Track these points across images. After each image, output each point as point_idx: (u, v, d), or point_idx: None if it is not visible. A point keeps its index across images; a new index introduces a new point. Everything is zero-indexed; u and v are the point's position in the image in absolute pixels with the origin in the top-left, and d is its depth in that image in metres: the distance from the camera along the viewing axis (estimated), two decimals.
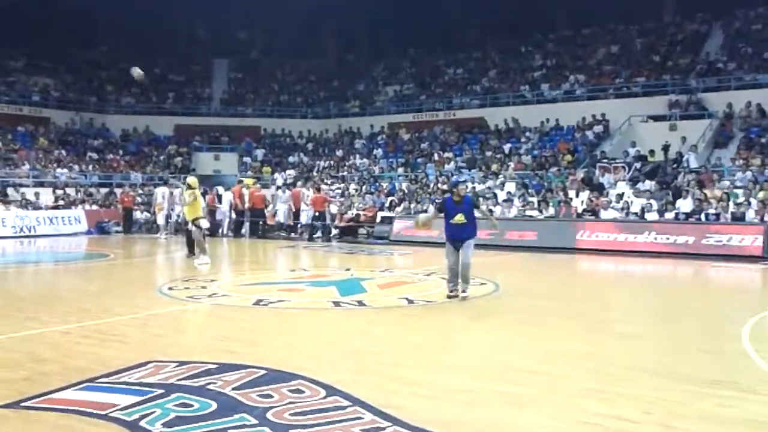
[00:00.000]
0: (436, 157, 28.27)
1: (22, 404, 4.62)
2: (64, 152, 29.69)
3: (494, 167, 24.99)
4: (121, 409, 4.50)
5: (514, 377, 5.45)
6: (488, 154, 27.50)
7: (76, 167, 28.57)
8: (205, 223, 14.29)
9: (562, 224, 18.00)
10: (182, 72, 38.63)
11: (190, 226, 14.27)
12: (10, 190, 23.97)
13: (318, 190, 21.29)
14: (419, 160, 28.73)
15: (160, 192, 21.89)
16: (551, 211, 18.78)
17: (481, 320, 8.32)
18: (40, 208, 23.39)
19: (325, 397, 4.83)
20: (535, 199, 19.72)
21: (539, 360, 6.02)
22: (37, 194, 24.21)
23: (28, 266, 15.36)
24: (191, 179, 14.78)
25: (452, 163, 27.24)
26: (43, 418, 4.39)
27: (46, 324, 7.47)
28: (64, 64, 36.15)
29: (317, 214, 20.29)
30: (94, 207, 24.91)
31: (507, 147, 27.51)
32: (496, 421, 4.42)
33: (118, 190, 26.06)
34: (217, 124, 35.37)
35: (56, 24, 32.88)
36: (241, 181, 23.88)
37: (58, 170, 27.49)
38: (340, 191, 24.15)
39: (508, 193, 20.72)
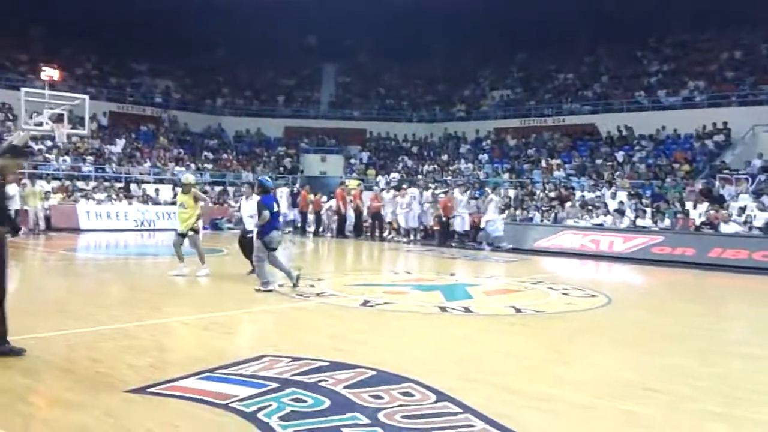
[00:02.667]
0: (543, 163, 27.69)
1: (148, 390, 4.86)
2: (182, 151, 31.26)
3: (606, 175, 24.18)
4: (239, 400, 4.65)
5: (634, 395, 5.21)
6: (599, 161, 26.66)
7: (193, 165, 29.99)
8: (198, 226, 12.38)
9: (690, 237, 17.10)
10: (292, 76, 39.79)
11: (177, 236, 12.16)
12: (132, 186, 25.46)
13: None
14: (526, 166, 28.23)
15: (280, 192, 22.95)
16: (666, 222, 17.96)
17: (592, 333, 8.04)
18: (159, 204, 24.73)
19: (435, 402, 4.80)
20: (648, 210, 18.91)
21: (657, 378, 5.73)
22: (157, 190, 25.60)
23: (148, 258, 16.24)
24: (188, 176, 13.25)
25: (561, 170, 26.59)
26: (167, 404, 4.60)
27: (168, 314, 7.86)
28: (184, 68, 38.10)
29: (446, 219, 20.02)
30: (209, 205, 26.00)
31: (620, 155, 26.56)
32: None
33: (230, 189, 27.21)
34: (325, 126, 36.19)
35: (178, 30, 34.68)
36: (343, 183, 24.28)
37: (176, 168, 28.95)
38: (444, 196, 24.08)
39: (620, 203, 19.96)
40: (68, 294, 9.18)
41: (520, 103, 34.24)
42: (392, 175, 29.65)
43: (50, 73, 20.33)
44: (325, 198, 22.94)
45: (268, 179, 11.05)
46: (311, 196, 23.15)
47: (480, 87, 38.07)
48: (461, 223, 19.86)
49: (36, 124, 19.50)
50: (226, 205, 26.01)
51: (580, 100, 32.13)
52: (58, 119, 19.81)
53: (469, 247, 19.31)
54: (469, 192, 21.00)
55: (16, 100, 22.59)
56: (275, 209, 9.88)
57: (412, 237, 20.49)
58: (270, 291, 9.74)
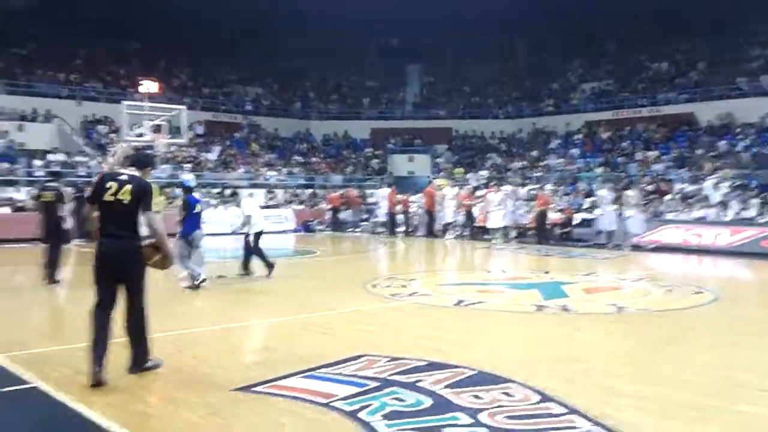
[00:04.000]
0: (639, 156, 26.68)
1: (252, 388, 4.98)
2: (273, 156, 32.07)
3: (706, 166, 23.03)
4: (341, 399, 4.69)
5: (745, 395, 4.92)
6: (698, 152, 25.43)
7: (284, 170, 30.71)
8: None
9: None
10: (377, 78, 40.09)
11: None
12: (227, 192, 26.29)
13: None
14: (620, 159, 27.28)
15: (379, 192, 23.72)
16: None
17: (699, 331, 7.67)
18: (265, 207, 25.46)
19: (538, 403, 4.69)
20: (756, 201, 17.85)
21: None
22: (250, 194, 26.27)
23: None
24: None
25: (658, 162, 25.54)
26: (271, 402, 4.70)
27: (266, 315, 8.06)
28: (272, 75, 39.11)
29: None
30: (301, 207, 26.61)
31: (721, 144, 25.24)
32: None
33: (320, 191, 27.75)
34: (410, 126, 36.25)
35: (265, 40, 35.68)
36: (430, 182, 24.22)
37: (268, 173, 29.72)
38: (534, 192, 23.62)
39: (724, 194, 18.94)
40: (173, 296, 9.55)
41: (612, 95, 33.14)
42: (481, 172, 29.34)
43: (149, 86, 21.32)
44: (413, 197, 22.90)
45: (191, 180, 11.23)
46: (399, 196, 23.25)
47: (569, 80, 37.13)
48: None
49: (137, 135, 20.48)
50: (317, 207, 26.47)
51: (676, 89, 30.76)
52: (157, 130, 20.75)
53: (567, 244, 18.78)
54: (561, 188, 20.46)
55: (117, 113, 23.85)
56: (197, 209, 10.15)
57: (505, 236, 20.00)
58: (203, 281, 9.95)
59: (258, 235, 11.81)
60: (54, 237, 10.55)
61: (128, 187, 5.26)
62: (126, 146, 21.05)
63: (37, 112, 26.98)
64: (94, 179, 5.71)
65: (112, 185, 5.27)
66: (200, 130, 31.26)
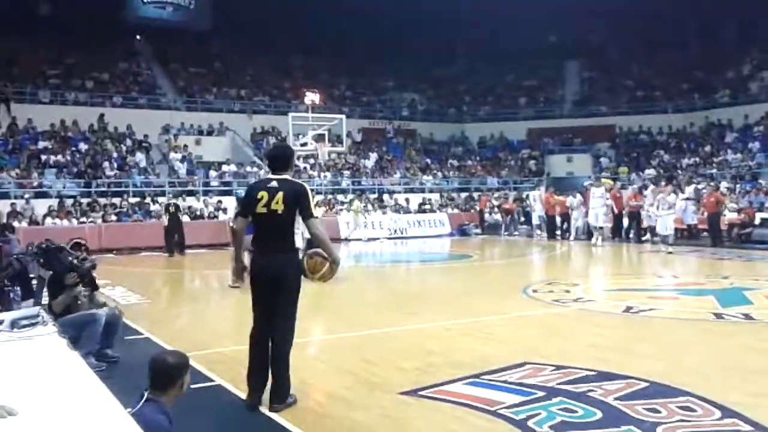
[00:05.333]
0: None
1: (419, 392, 5.06)
2: (428, 160, 32.40)
3: None
4: (507, 407, 4.64)
5: None
6: None
7: (439, 174, 30.92)
8: None
9: None
10: (534, 77, 39.23)
11: None
12: (385, 197, 26.95)
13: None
14: None
15: (533, 195, 23.40)
16: None
17: None
18: (410, 212, 25.89)
19: (720, 419, 4.38)
20: None
21: None
22: (407, 200, 26.81)
23: (404, 265, 17.04)
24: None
25: None
26: (439, 407, 4.74)
27: (428, 320, 8.13)
28: (427, 81, 39.54)
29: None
30: (456, 210, 26.67)
31: None
32: None
33: (476, 194, 27.68)
34: (569, 125, 35.04)
35: (420, 45, 36.12)
36: (591, 183, 23.21)
37: (424, 177, 30.07)
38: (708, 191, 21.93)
39: None
40: (337, 300, 9.93)
41: None
42: (647, 171, 27.76)
43: (312, 97, 22.35)
44: (572, 199, 21.95)
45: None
46: (558, 198, 22.59)
47: (746, 68, 34.11)
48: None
49: (302, 145, 21.54)
50: (472, 210, 26.38)
51: None
52: (319, 138, 21.71)
53: (749, 247, 17.24)
54: (739, 185, 18.80)
55: (283, 124, 25.22)
56: None
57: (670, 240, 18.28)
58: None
59: None
60: None
61: (280, 195, 4.70)
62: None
63: (212, 126, 29.20)
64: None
65: (263, 195, 4.74)
66: (358, 137, 32.28)
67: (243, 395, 4.95)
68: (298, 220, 4.80)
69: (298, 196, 4.73)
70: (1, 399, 2.29)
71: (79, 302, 6.22)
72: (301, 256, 5.03)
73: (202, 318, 9.31)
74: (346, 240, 22.06)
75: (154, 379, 3.17)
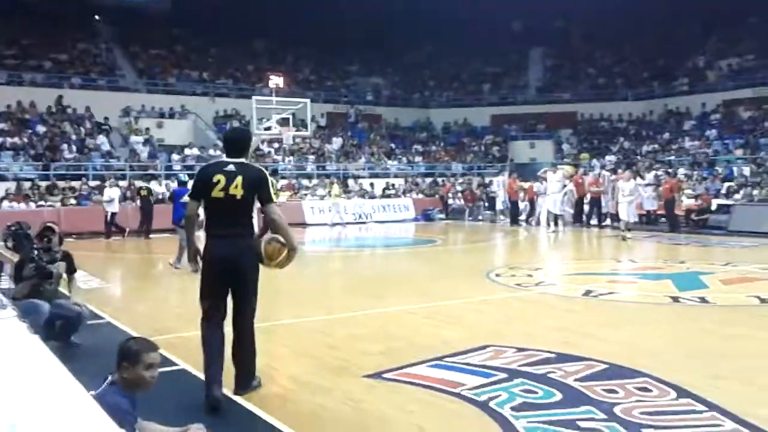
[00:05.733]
0: None
1: (383, 375, 5.09)
2: (393, 145, 32.42)
3: None
4: (469, 389, 4.71)
5: None
6: None
7: (404, 159, 30.97)
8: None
9: None
10: (498, 64, 39.44)
11: None
12: (350, 182, 26.90)
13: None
14: (762, 140, 25.36)
15: (497, 181, 23.76)
16: None
17: None
18: (375, 197, 25.91)
19: (676, 399, 4.50)
20: None
21: None
22: (372, 184, 26.80)
23: (368, 249, 17.07)
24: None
25: None
26: (403, 389, 4.78)
27: (393, 304, 8.18)
28: (392, 66, 39.46)
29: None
30: (420, 196, 26.77)
31: None
32: None
33: (440, 180, 27.85)
34: (532, 112, 35.38)
35: (387, 31, 35.97)
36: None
37: (389, 162, 30.09)
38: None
39: None
40: (300, 284, 9.90)
41: (754, 71, 30.71)
42: (608, 157, 28.21)
43: (276, 81, 22.15)
44: (538, 184, 22.15)
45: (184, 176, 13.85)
46: (521, 184, 22.84)
47: (705, 57, 34.76)
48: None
49: (266, 129, 21.35)
50: (437, 196, 26.50)
51: None
52: (283, 123, 21.54)
53: (704, 232, 17.66)
54: (696, 172, 19.24)
55: (246, 108, 24.94)
56: (184, 199, 10.44)
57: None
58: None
59: None
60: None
61: (239, 179, 4.50)
62: (255, 139, 22.04)
63: (174, 109, 28.73)
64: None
65: (220, 179, 4.51)
66: (323, 122, 32.10)
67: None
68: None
69: (257, 180, 4.58)
70: None
71: (42, 290, 6.09)
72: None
73: (165, 303, 9.21)
74: (332, 225, 21.95)
75: (118, 357, 3.17)
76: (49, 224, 6.75)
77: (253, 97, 22.06)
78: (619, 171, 20.26)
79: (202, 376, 5.00)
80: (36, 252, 6.20)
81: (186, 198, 10.98)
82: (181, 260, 10.85)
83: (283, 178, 25.34)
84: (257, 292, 4.73)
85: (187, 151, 25.74)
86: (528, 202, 21.84)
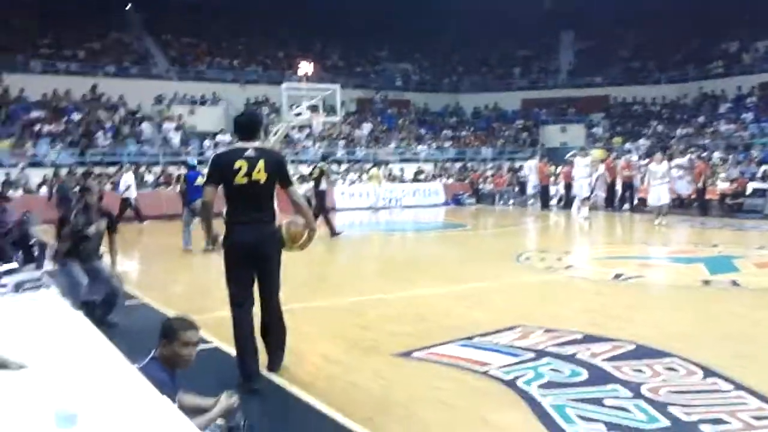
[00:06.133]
0: None
1: (412, 354, 5.21)
2: (423, 131, 32.39)
3: None
4: (497, 368, 4.80)
5: None
6: None
7: (434, 144, 30.93)
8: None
9: None
10: (528, 47, 39.03)
11: None
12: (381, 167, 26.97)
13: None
14: None
15: (528, 165, 23.67)
16: None
17: None
18: (405, 182, 25.97)
19: (703, 378, 4.54)
20: None
21: None
22: (402, 170, 26.86)
23: (399, 234, 17.16)
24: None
25: None
26: (431, 368, 4.90)
27: (423, 286, 8.28)
28: (421, 51, 39.29)
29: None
30: (450, 180, 26.76)
31: None
32: None
33: (470, 164, 27.79)
34: (564, 96, 35.02)
35: (416, 16, 35.79)
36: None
37: (419, 147, 30.08)
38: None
39: None
40: (331, 267, 10.06)
41: None
42: (641, 141, 27.84)
43: (306, 67, 22.26)
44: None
45: (193, 159, 14.69)
46: (553, 168, 22.70)
47: (741, 38, 33.98)
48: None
49: (296, 115, 21.50)
50: (467, 181, 26.46)
51: None
52: (313, 109, 21.66)
53: (740, 216, 17.36)
54: (732, 156, 18.88)
55: (276, 94, 25.10)
56: (198, 182, 11.23)
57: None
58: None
59: None
60: None
61: (261, 163, 4.50)
62: (285, 125, 22.23)
63: (206, 96, 29.05)
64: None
65: (242, 165, 4.48)
66: (352, 107, 32.16)
67: None
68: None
69: (278, 164, 4.64)
70: (11, 354, 2.40)
71: (81, 248, 6.30)
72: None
73: (198, 283, 9.42)
74: (374, 209, 22.03)
75: (160, 334, 3.31)
76: (87, 185, 6.97)
77: (283, 84, 22.21)
78: (655, 156, 19.85)
79: (234, 353, 5.16)
80: (74, 212, 6.40)
81: (200, 180, 11.39)
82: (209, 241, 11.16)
83: (312, 163, 25.38)
84: (280, 274, 4.78)
85: (219, 138, 26.04)
86: (564, 187, 21.51)
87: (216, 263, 10.59)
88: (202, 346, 5.34)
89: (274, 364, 4.79)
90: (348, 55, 37.17)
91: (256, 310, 4.76)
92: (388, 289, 8.14)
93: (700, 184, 18.15)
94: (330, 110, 23.47)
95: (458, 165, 28.92)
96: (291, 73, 28.37)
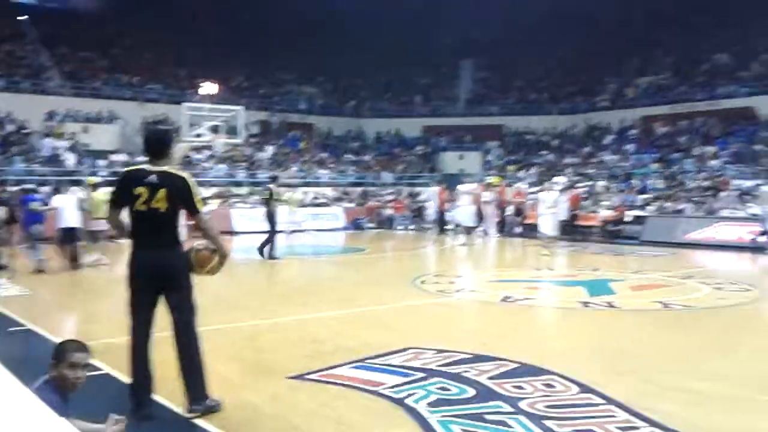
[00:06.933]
0: (696, 151, 26.19)
1: (307, 376, 5.33)
2: (325, 154, 32.61)
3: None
4: (389, 387, 5.00)
5: None
6: (757, 147, 24.82)
7: (336, 168, 31.20)
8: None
9: None
10: (430, 75, 40.18)
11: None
12: (281, 190, 26.86)
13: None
14: (676, 155, 26.83)
15: (427, 192, 24.15)
16: None
17: (745, 328, 7.72)
18: (306, 206, 26.00)
19: (577, 394, 4.89)
20: None
21: None
22: (305, 193, 26.90)
23: (298, 258, 17.18)
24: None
25: (716, 158, 25.03)
26: (326, 389, 5.03)
27: (319, 310, 8.40)
28: (326, 75, 39.65)
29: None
30: (351, 204, 27.04)
31: None
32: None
33: (371, 189, 28.23)
34: (462, 124, 36.22)
35: (321, 39, 36.20)
36: (481, 180, 24.24)
37: (320, 171, 30.25)
38: (587, 189, 23.45)
39: None
40: (226, 291, 9.99)
41: (670, 89, 32.42)
42: (532, 170, 29.21)
43: (209, 87, 22.04)
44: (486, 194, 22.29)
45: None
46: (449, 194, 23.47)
47: (625, 74, 36.44)
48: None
49: (196, 135, 21.21)
50: (367, 205, 26.84)
51: (736, 83, 29.94)
52: (215, 130, 21.44)
53: (619, 242, 18.60)
54: (614, 185, 20.21)
55: (176, 114, 24.65)
56: (32, 207, 12.15)
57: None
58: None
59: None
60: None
61: (162, 192, 4.32)
62: (185, 146, 21.85)
63: (102, 114, 28.11)
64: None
65: (142, 192, 4.31)
66: (255, 130, 31.98)
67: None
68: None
69: (182, 191, 4.37)
70: None
71: None
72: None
73: (87, 309, 9.13)
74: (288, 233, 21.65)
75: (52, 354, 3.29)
76: None
77: (185, 104, 21.88)
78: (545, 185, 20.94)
79: (126, 380, 5.10)
80: None
81: (35, 205, 11.36)
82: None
83: (213, 185, 25.01)
84: (192, 299, 4.59)
85: (113, 157, 25.24)
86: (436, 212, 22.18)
87: (103, 289, 10.37)
88: (93, 373, 5.27)
89: (191, 403, 4.42)
90: (252, 76, 37.00)
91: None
92: (285, 313, 8.22)
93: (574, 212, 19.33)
94: (232, 131, 23.30)
95: (359, 189, 29.27)
96: (192, 92, 27.97)
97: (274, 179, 16.08)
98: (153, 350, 4.56)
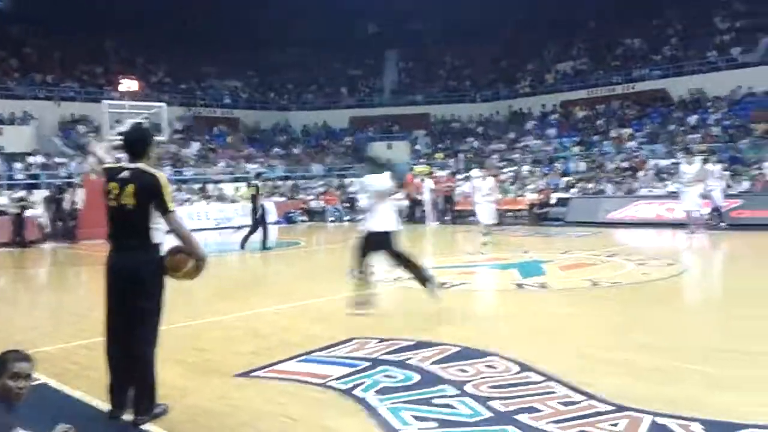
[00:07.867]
0: (613, 134, 27.22)
1: (252, 374, 5.32)
2: (252, 149, 32.21)
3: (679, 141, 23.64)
4: (336, 379, 5.05)
5: (714, 357, 5.35)
6: (671, 127, 26.01)
7: (264, 162, 30.88)
8: None
9: None
10: (356, 66, 40.21)
11: None
12: (209, 186, 26.47)
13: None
14: (595, 137, 27.81)
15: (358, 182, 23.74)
16: (745, 185, 17.49)
17: (671, 301, 8.14)
18: (236, 201, 25.63)
19: (518, 373, 5.07)
20: (726, 173, 18.40)
21: (738, 341, 5.85)
22: (237, 189, 26.52)
23: (230, 254, 16.96)
24: None
25: (632, 139, 26.09)
26: (272, 385, 5.05)
27: (261, 305, 8.38)
28: (250, 68, 39.12)
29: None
30: (282, 198, 26.84)
31: (693, 119, 25.84)
32: (695, 399, 4.39)
33: (300, 182, 28.08)
34: (388, 114, 36.45)
35: (244, 32, 35.63)
36: (412, 169, 24.48)
37: (248, 165, 29.87)
38: (513, 174, 24.06)
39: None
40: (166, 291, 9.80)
41: (587, 74, 33.57)
42: (459, 156, 29.70)
43: (129, 84, 21.41)
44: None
45: None
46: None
47: (545, 60, 37.47)
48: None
49: (117, 134, 20.54)
50: (298, 199, 26.71)
51: (649, 66, 31.25)
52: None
53: (546, 224, 19.17)
54: (539, 169, 20.85)
55: (95, 112, 23.86)
56: None
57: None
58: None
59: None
60: None
61: (130, 188, 4.24)
62: (107, 144, 21.13)
63: (15, 115, 26.89)
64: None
65: (113, 187, 4.28)
66: (178, 126, 31.26)
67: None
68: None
69: (150, 189, 4.24)
70: None
71: None
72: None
73: (24, 317, 8.80)
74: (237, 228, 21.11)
75: None
76: None
77: (104, 101, 21.18)
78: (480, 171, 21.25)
79: (64, 389, 4.99)
80: None
81: None
82: None
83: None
84: (160, 310, 4.48)
85: (30, 159, 24.21)
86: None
87: (34, 296, 10.00)
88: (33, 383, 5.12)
89: (141, 411, 4.30)
90: (174, 71, 36.11)
91: None
92: (226, 310, 8.14)
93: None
94: (155, 129, 22.68)
95: (289, 183, 29.08)
96: (111, 89, 27.08)
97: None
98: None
